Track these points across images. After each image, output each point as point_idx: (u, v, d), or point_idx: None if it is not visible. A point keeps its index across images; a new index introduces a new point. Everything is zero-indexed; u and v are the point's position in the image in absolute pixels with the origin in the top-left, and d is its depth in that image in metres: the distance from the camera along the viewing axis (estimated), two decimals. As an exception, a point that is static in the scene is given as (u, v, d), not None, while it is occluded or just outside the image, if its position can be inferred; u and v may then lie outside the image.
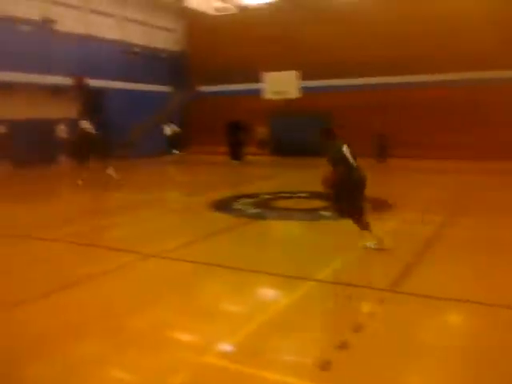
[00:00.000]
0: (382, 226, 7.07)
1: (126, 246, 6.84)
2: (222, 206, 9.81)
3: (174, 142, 24.40)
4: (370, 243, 6.26)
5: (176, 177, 17.43)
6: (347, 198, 6.17)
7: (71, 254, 6.63)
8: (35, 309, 4.58)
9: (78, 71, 21.31)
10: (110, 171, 13.05)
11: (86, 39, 23.39)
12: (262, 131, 22.99)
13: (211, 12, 29.15)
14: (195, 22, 28.02)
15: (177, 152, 23.78)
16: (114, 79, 22.93)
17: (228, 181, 14.53)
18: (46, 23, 21.30)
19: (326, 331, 4.17)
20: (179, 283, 5.30)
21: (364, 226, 6.22)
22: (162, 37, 28.27)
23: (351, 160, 6.15)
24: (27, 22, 20.65)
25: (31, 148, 18.77)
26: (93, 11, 23.88)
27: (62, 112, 20.93)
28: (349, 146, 6.23)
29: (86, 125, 13.55)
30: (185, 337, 4.08)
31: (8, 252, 6.72)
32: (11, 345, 3.83)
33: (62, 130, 20.32)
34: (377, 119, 19.85)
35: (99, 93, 22.59)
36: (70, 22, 22.54)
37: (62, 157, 20.47)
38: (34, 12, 20.94)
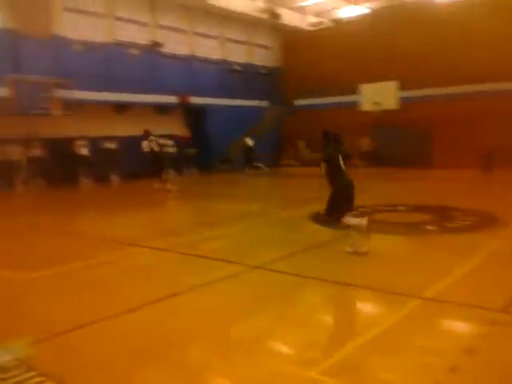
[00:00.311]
0: (492, 240, 6.65)
1: (229, 256, 7.06)
2: (321, 218, 9.79)
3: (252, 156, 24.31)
4: (347, 247, 6.78)
5: (274, 189, 17.70)
6: (335, 199, 6.86)
7: (177, 263, 6.98)
8: (144, 315, 4.86)
9: (182, 90, 22.64)
10: (169, 186, 13.77)
11: (189, 60, 24.70)
12: (365, 143, 22.60)
13: (306, 27, 29.51)
14: (291, 37, 28.48)
15: (260, 166, 23.45)
16: (215, 96, 23.91)
17: (325, 193, 14.44)
18: (154, 47, 22.80)
19: (435, 353, 3.94)
20: (281, 295, 5.36)
21: (343, 227, 6.85)
22: (260, 54, 29.06)
23: (342, 163, 6.87)
24: (136, 46, 22.27)
25: (137, 162, 20.03)
26: (196, 33, 25.17)
27: (166, 129, 22.20)
28: (343, 151, 7.00)
29: (163, 141, 14.40)
30: (286, 349, 4.11)
31: (117, 259, 7.25)
32: (127, 346, 4.13)
33: (167, 146, 21.37)
34: (482, 128, 18.75)
35: (201, 110, 23.73)
36: (175, 45, 23.97)
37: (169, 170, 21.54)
38: (142, 37, 22.53)
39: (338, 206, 6.77)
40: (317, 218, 9.72)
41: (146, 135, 14.60)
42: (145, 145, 14.23)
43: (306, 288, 5.66)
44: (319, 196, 13.69)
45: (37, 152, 17.73)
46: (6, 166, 17.06)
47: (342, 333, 4.39)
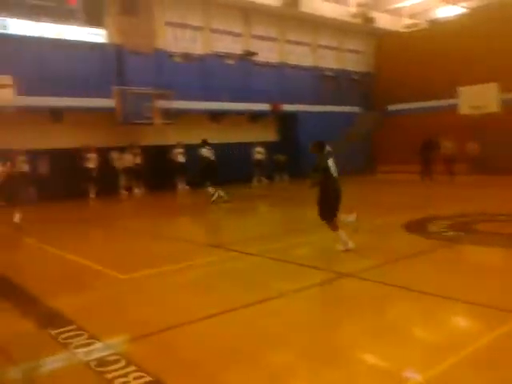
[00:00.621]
0: None
1: (320, 263, 7.04)
2: (415, 227, 9.45)
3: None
4: (339, 245, 7.45)
5: (366, 196, 17.33)
6: (325, 203, 7.44)
7: (268, 269, 7.08)
8: (235, 318, 5.00)
9: (274, 98, 22.98)
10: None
11: (281, 67, 25.02)
12: (472, 148, 21.12)
13: (400, 29, 28.68)
14: (384, 41, 27.83)
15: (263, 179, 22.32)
16: (306, 103, 23.97)
17: (420, 201, 13.90)
18: (247, 56, 23.39)
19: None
20: (371, 304, 5.25)
21: (335, 228, 7.49)
22: (351, 59, 28.74)
23: (333, 170, 7.43)
24: (231, 56, 22.99)
25: (230, 169, 20.55)
26: (288, 41, 25.45)
27: (257, 136, 22.64)
28: (334, 159, 7.52)
29: (205, 152, 14.54)
30: (376, 361, 4.00)
31: (210, 262, 7.51)
32: (217, 347, 4.26)
33: (258, 152, 21.77)
34: None
35: (292, 117, 23.90)
36: (266, 53, 24.44)
37: (259, 176, 21.92)
38: (236, 47, 23.23)
39: (331, 210, 7.45)
40: (411, 227, 9.40)
41: (204, 144, 15.00)
42: (204, 152, 14.60)
43: (398, 298, 5.49)
44: (416, 204, 13.33)
45: (138, 159, 18.84)
46: (114, 172, 18.32)
47: (437, 347, 4.18)
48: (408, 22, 29.45)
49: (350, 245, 7.47)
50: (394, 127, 24.86)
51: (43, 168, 16.78)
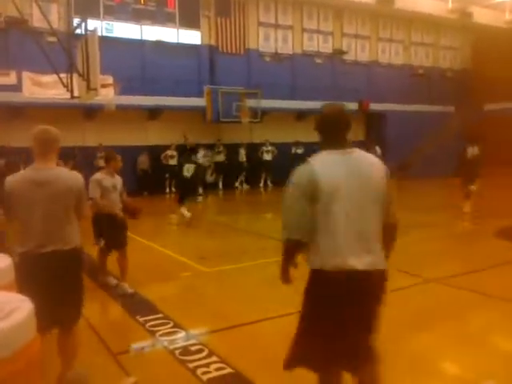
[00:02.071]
0: None
1: (401, 267, 6.86)
2: (509, 234, 8.91)
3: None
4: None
5: (454, 199, 16.51)
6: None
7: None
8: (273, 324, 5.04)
9: (363, 96, 22.57)
10: None
11: (371, 66, 24.52)
12: None
13: (501, 25, 26.91)
14: (482, 37, 26.22)
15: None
16: (395, 102, 23.28)
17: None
18: (338, 54, 23.17)
19: None
20: (455, 312, 5.07)
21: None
22: (446, 56, 27.45)
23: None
24: (321, 55, 22.93)
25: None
26: (379, 39, 24.86)
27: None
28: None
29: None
30: (457, 370, 3.89)
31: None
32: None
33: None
34: None
35: (381, 115, 23.33)
36: (357, 51, 24.06)
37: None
38: (327, 46, 23.12)
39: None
40: (504, 233, 8.88)
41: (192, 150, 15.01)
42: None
43: (484, 307, 5.27)
44: (508, 208, 12.49)
45: (221, 157, 19.28)
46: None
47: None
48: (510, 17, 27.54)
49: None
50: (491, 127, 23.40)
51: (144, 164, 17.92)
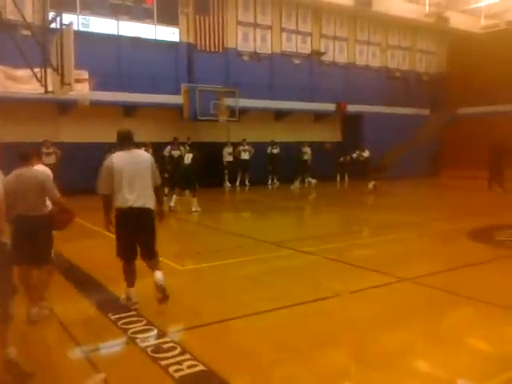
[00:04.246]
0: None
1: (377, 266, 6.94)
2: (481, 235, 9.09)
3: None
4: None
5: (429, 200, 16.81)
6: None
7: (324, 268, 7.05)
8: (288, 314, 5.06)
9: (340, 98, 22.75)
10: None
11: (348, 67, 24.75)
12: None
13: (478, 30, 27.48)
14: (458, 42, 26.75)
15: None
16: (372, 104, 23.55)
17: (486, 208, 13.30)
18: (316, 55, 23.31)
19: None
20: (429, 311, 5.13)
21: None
22: (422, 60, 27.93)
23: None
24: (299, 55, 23.04)
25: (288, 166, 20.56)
26: (357, 41, 25.12)
27: (320, 136, 22.51)
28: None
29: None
30: (430, 368, 3.90)
31: (265, 258, 7.59)
32: (269, 341, 4.33)
33: (305, 153, 21.13)
34: None
35: (358, 117, 23.54)
36: (335, 53, 24.27)
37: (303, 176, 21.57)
38: (305, 46, 23.25)
39: None
40: (476, 234, 9.06)
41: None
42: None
43: (458, 306, 5.34)
44: (483, 211, 12.78)
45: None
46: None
47: (496, 358, 4.01)
48: (485, 23, 28.14)
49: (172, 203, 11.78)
50: (463, 130, 23.87)
51: None
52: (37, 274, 4.85)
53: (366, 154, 20.40)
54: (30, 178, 4.71)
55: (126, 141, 5.15)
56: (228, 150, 19.86)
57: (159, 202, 5.40)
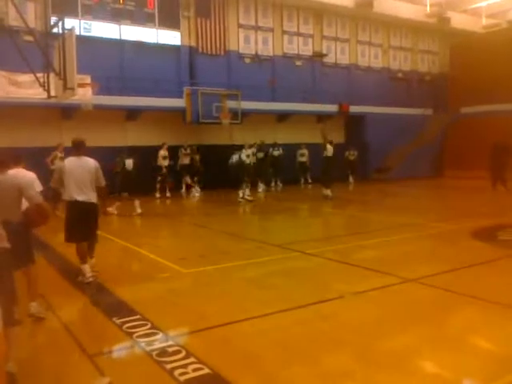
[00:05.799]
0: None
1: (381, 267, 6.92)
2: (485, 235, 9.05)
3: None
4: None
5: (433, 201, 16.77)
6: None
7: (328, 270, 7.04)
8: (292, 317, 5.04)
9: (342, 99, 22.75)
10: None
11: (350, 68, 24.74)
12: None
13: (478, 30, 27.47)
14: (459, 42, 26.72)
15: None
16: (375, 104, 23.53)
17: (490, 208, 13.25)
18: (318, 57, 23.32)
19: None
20: (434, 311, 5.11)
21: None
22: (424, 60, 27.91)
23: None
24: (301, 57, 23.05)
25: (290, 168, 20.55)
26: (359, 42, 25.12)
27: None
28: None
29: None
30: (435, 369, 3.87)
31: (268, 261, 7.59)
32: (273, 344, 4.32)
33: (302, 155, 21.20)
34: None
35: (360, 118, 23.53)
36: (337, 54, 24.27)
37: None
38: (306, 48, 23.27)
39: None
40: (480, 234, 9.02)
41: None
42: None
43: (463, 307, 5.31)
44: (487, 211, 12.73)
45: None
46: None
47: (501, 359, 3.99)
48: (487, 22, 28.13)
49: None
50: (467, 130, 23.80)
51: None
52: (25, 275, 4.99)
53: (355, 154, 20.99)
54: (5, 183, 4.27)
55: (79, 148, 6.37)
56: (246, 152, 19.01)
57: (102, 198, 6.60)
